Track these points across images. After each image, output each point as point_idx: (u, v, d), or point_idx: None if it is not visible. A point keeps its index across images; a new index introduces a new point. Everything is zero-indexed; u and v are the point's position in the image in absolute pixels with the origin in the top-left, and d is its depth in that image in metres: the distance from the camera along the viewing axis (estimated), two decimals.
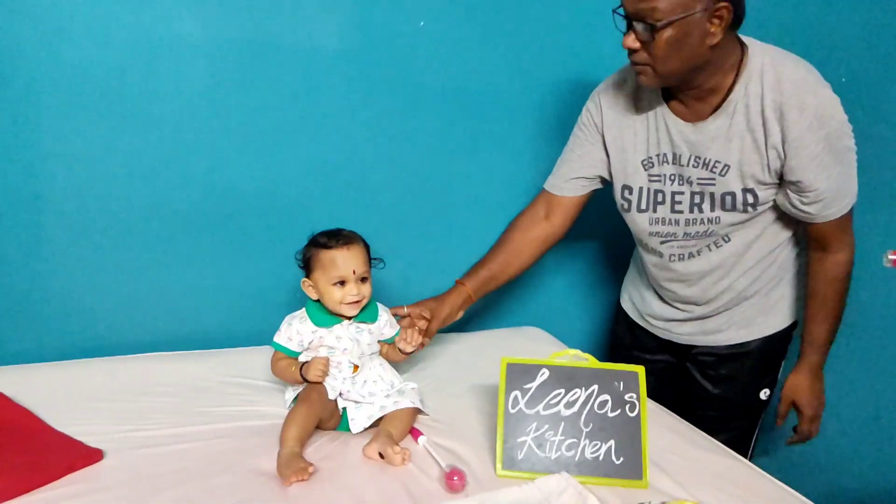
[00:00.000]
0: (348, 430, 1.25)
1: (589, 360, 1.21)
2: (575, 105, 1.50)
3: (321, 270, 1.24)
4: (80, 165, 1.47)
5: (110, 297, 1.55)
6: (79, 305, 1.53)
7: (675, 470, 1.16)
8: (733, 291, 1.39)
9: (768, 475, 1.18)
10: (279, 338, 1.27)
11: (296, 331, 1.26)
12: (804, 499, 1.10)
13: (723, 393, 1.46)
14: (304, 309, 1.28)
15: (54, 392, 1.31)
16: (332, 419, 1.25)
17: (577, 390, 1.18)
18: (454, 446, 1.21)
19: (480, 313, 1.92)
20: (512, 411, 1.17)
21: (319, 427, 1.22)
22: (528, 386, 1.18)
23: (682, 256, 1.39)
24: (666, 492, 1.10)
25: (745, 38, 1.22)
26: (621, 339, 1.63)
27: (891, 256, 0.83)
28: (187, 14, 1.47)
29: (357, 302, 1.24)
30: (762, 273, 1.38)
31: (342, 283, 1.23)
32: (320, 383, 1.24)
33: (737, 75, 1.21)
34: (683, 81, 1.21)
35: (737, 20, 1.15)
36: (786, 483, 1.15)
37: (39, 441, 1.15)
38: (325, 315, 1.26)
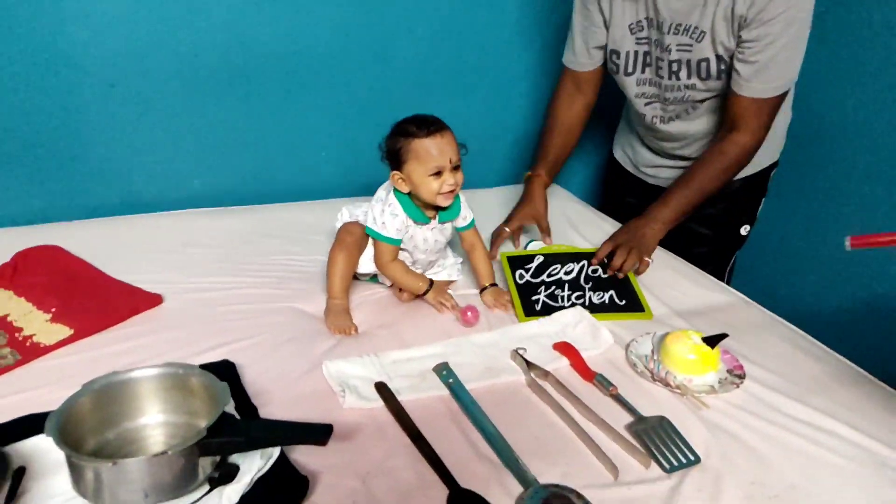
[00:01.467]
0: (375, 281, 1.34)
1: (562, 247, 1.40)
2: None
3: (416, 161, 1.15)
4: (107, 26, 1.48)
5: (145, 156, 1.62)
6: (117, 164, 1.60)
7: (674, 303, 1.30)
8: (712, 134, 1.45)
9: (755, 304, 1.31)
10: (387, 230, 1.20)
11: (400, 220, 1.20)
12: (787, 322, 1.24)
13: (709, 231, 1.57)
14: (392, 198, 1.22)
15: (106, 246, 1.41)
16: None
17: (571, 264, 1.35)
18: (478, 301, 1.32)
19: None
20: (520, 282, 1.30)
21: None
22: (528, 266, 1.34)
23: (663, 119, 1.46)
24: (668, 322, 1.23)
25: None
26: (614, 187, 1.74)
27: (849, 242, 0.87)
28: None
29: (452, 191, 1.18)
30: None
31: (438, 173, 1.16)
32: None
33: None
34: None
35: None
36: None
37: (104, 288, 1.27)
38: (418, 210, 1.22)
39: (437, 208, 1.23)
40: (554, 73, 1.64)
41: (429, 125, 1.15)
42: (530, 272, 1.32)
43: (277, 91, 1.67)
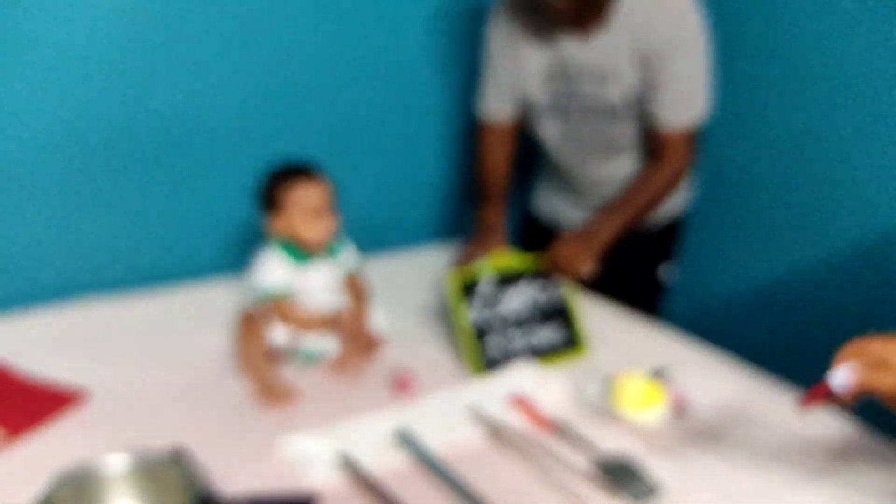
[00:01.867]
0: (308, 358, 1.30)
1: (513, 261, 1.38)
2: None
3: (294, 206, 1.21)
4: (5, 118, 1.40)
5: (27, 240, 1.50)
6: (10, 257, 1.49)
7: (610, 344, 1.36)
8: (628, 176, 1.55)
9: (686, 335, 1.41)
10: (272, 284, 1.22)
11: (285, 269, 1.23)
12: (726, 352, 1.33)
13: (631, 272, 1.63)
14: (269, 249, 1.25)
15: (5, 344, 1.29)
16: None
17: (519, 287, 1.35)
18: (418, 351, 1.32)
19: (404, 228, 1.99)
20: (477, 319, 1.29)
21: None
22: (478, 292, 1.31)
23: (580, 163, 1.56)
24: (604, 361, 1.29)
25: None
26: (535, 244, 1.77)
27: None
28: None
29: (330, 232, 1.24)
30: None
31: (316, 216, 1.21)
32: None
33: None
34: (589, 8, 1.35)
35: None
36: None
37: (15, 387, 1.16)
38: (300, 252, 1.25)
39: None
40: (464, 128, 1.69)
41: (305, 172, 1.22)
42: (483, 302, 1.30)
43: (181, 163, 1.61)
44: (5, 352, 1.26)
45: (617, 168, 1.54)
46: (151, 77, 1.52)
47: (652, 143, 1.47)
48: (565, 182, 1.63)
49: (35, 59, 1.40)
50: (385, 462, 0.99)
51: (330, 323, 1.25)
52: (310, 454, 0.98)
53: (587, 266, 1.35)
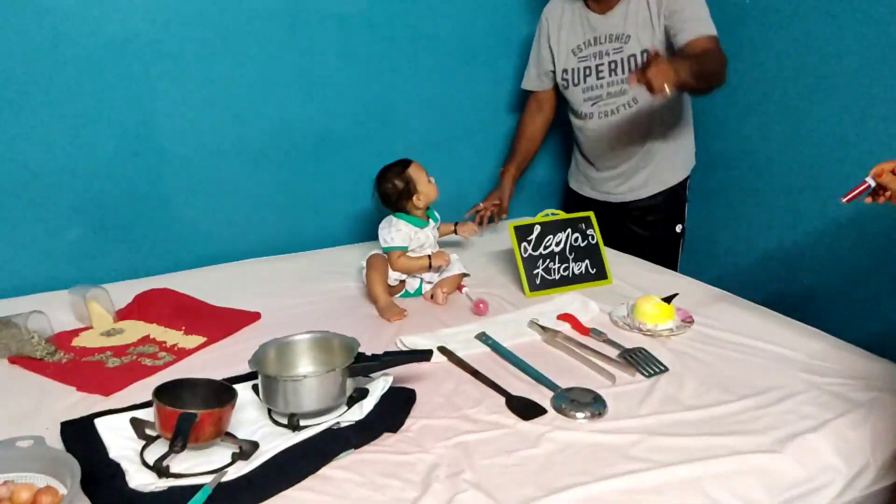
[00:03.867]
0: (409, 295, 1.78)
1: (560, 214, 1.84)
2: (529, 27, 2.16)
3: (419, 181, 1.69)
4: (184, 118, 1.94)
5: (212, 216, 2.05)
6: (193, 225, 2.03)
7: (637, 283, 1.77)
8: (645, 149, 2.01)
9: (697, 280, 1.80)
10: (394, 242, 1.68)
11: (405, 232, 1.69)
12: (724, 291, 1.71)
13: (651, 234, 2.11)
14: (393, 219, 1.71)
15: (201, 288, 1.80)
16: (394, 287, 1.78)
17: (560, 234, 1.80)
18: (491, 291, 1.77)
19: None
20: (524, 255, 1.76)
21: None
22: (529, 238, 1.78)
23: (606, 114, 1.99)
24: (632, 294, 1.68)
25: None
26: (573, 208, 2.20)
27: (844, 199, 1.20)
28: None
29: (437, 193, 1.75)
30: (668, 131, 2.01)
31: (428, 182, 1.72)
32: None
33: None
34: None
35: None
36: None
37: (215, 311, 1.67)
38: (418, 219, 1.73)
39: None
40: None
41: (406, 160, 1.73)
42: (531, 244, 1.77)
43: (309, 160, 2.13)
44: (206, 293, 1.77)
45: (633, 123, 1.97)
46: (297, 98, 2.07)
47: (695, 47, 1.78)
48: (591, 144, 2.08)
49: (224, 89, 1.98)
50: (471, 353, 1.43)
51: (426, 265, 1.72)
52: (418, 346, 1.43)
53: (670, 85, 1.56)
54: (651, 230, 2.11)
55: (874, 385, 1.26)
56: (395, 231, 1.71)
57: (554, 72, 2.08)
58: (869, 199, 1.20)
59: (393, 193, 1.72)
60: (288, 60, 2.02)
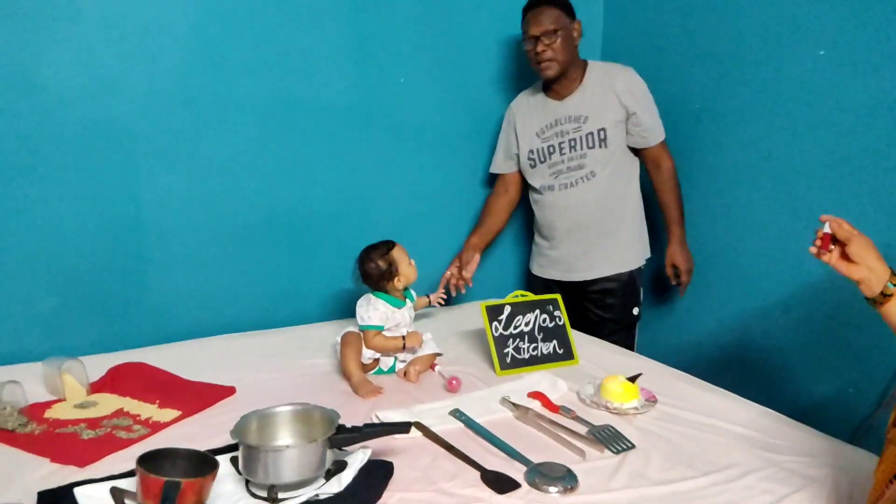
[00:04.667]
0: (382, 372, 1.81)
1: (528, 296, 1.94)
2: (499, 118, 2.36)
3: (401, 263, 1.78)
4: (166, 199, 2.00)
5: (189, 293, 2.08)
6: (169, 299, 2.06)
7: (602, 363, 1.85)
8: (604, 225, 2.19)
9: (656, 361, 1.88)
10: (371, 321, 1.74)
11: (382, 312, 1.75)
12: (682, 372, 1.80)
13: (610, 316, 2.25)
14: (372, 297, 1.77)
15: (175, 362, 1.81)
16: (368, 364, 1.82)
17: (529, 314, 1.89)
18: (463, 369, 1.82)
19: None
20: (496, 335, 1.83)
21: None
22: (500, 318, 1.86)
23: (566, 185, 2.19)
24: (598, 374, 1.76)
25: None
26: (534, 290, 2.31)
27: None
28: (244, 79, 2.04)
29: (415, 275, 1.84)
30: (623, 212, 2.20)
31: (409, 265, 1.81)
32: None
33: (584, 70, 2.19)
34: (565, 70, 2.12)
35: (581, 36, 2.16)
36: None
37: (189, 385, 1.68)
38: (395, 299, 1.80)
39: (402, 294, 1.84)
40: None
41: (390, 242, 1.81)
42: (502, 324, 1.85)
43: (289, 240, 2.20)
44: (180, 367, 1.79)
45: (590, 193, 2.17)
46: (279, 179, 2.17)
47: (648, 158, 2.21)
48: (551, 214, 2.25)
49: (208, 168, 2.07)
50: (445, 428, 1.47)
51: (400, 345, 1.76)
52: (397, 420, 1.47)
53: (692, 262, 2.21)
54: (610, 312, 2.26)
55: (827, 462, 1.33)
56: (373, 310, 1.76)
57: (518, 155, 2.28)
58: (814, 249, 1.23)
59: (375, 273, 1.78)
60: (271, 144, 2.12)
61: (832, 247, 1.22)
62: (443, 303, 2.09)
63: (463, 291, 2.26)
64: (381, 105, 2.27)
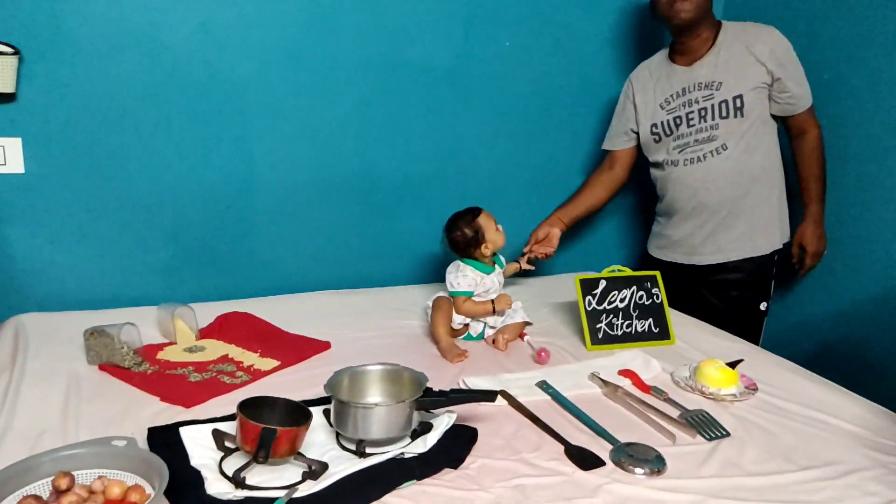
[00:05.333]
0: (471, 338, 1.83)
1: (626, 271, 1.86)
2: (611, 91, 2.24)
3: (487, 229, 1.76)
4: (279, 153, 2.08)
5: (292, 249, 2.17)
6: (274, 255, 2.16)
7: (698, 347, 1.78)
8: (737, 204, 1.99)
9: (762, 348, 1.78)
10: (460, 287, 1.75)
11: (471, 278, 1.75)
12: (791, 362, 1.70)
13: (731, 309, 2.06)
14: (461, 264, 1.77)
15: (277, 314, 1.90)
16: (458, 330, 1.83)
17: (625, 290, 1.83)
18: (553, 341, 1.80)
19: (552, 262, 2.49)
20: (588, 309, 1.79)
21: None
22: (594, 292, 1.81)
23: (693, 160, 2.01)
24: (696, 357, 1.69)
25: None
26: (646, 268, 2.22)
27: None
28: (352, 43, 2.08)
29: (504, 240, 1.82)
30: (759, 189, 1.99)
31: (497, 230, 1.78)
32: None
33: (717, 31, 1.99)
34: (699, 19, 1.93)
35: None
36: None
37: (288, 338, 1.76)
38: (484, 265, 1.80)
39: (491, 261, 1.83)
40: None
41: (475, 208, 1.80)
42: (596, 298, 1.81)
43: (385, 202, 2.24)
44: (280, 320, 1.87)
45: (717, 170, 1.99)
46: (380, 142, 2.19)
47: (793, 127, 1.99)
48: (676, 191, 2.07)
49: (315, 129, 2.12)
50: (531, 399, 1.46)
51: (490, 309, 1.77)
52: (483, 387, 1.48)
53: (824, 246, 2.01)
54: (734, 305, 2.07)
55: None
56: (462, 276, 1.77)
57: (637, 132, 2.12)
58: None
59: (462, 241, 1.78)
60: (375, 107, 2.15)
61: None
62: (532, 267, 2.07)
63: (543, 260, 2.16)
64: (484, 70, 2.24)
